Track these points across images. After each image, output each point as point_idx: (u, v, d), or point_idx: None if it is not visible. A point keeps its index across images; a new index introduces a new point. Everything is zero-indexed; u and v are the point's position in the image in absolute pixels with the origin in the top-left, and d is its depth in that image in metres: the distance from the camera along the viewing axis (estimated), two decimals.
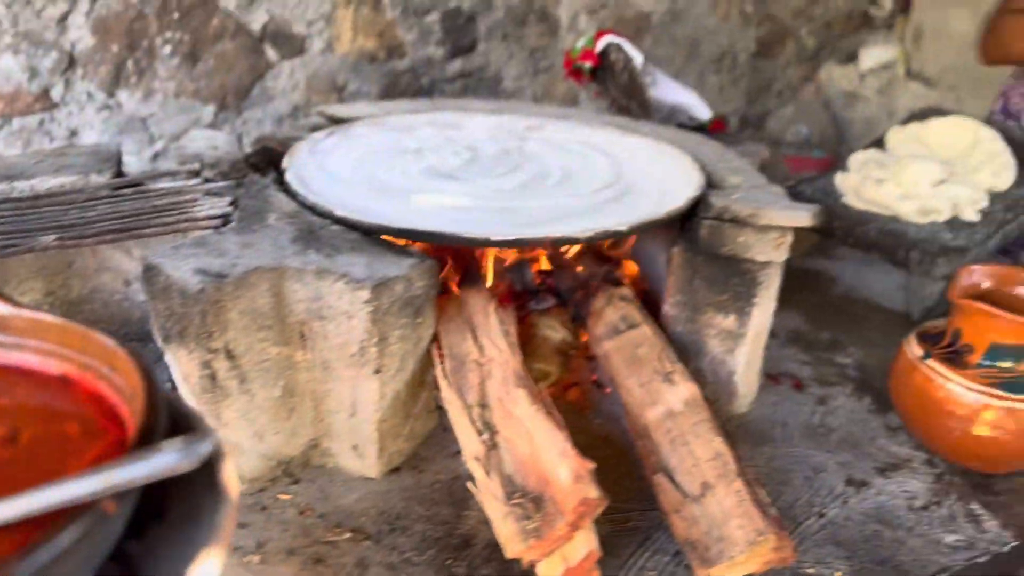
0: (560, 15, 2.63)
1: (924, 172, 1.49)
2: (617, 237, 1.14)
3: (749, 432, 1.16)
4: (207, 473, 0.54)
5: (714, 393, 1.20)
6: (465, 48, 2.52)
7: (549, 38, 2.63)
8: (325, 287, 0.93)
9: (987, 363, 1.05)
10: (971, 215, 1.45)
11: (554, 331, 1.21)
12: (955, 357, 1.07)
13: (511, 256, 1.29)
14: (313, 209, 1.08)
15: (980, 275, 1.12)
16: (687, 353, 1.20)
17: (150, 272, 0.92)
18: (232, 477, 0.56)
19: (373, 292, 0.91)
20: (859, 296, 1.58)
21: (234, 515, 0.55)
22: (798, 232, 1.65)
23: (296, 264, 0.94)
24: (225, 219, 1.08)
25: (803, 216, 1.08)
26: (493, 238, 1.04)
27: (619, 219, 1.11)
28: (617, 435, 1.13)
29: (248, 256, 0.95)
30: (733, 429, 1.16)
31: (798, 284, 1.62)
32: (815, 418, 1.20)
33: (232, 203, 1.12)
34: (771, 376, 1.29)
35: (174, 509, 0.47)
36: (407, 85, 2.47)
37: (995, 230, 1.42)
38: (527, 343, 1.20)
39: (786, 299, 1.55)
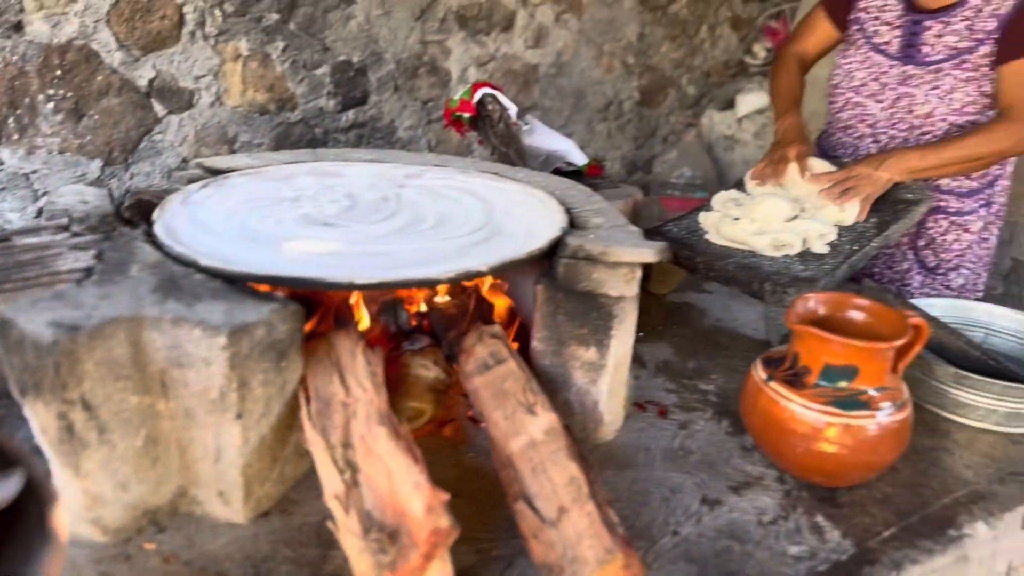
0: (450, 68, 2.72)
1: (776, 209, 1.61)
2: (477, 277, 1.19)
3: (614, 458, 1.22)
4: (37, 517, 0.56)
5: (582, 422, 1.25)
6: (357, 100, 2.58)
7: (440, 89, 2.72)
8: (183, 335, 0.95)
9: (823, 383, 1.13)
10: (820, 248, 1.57)
11: (427, 370, 1.25)
12: (795, 379, 1.15)
13: (384, 298, 1.33)
14: (178, 259, 1.10)
15: (815, 303, 1.22)
16: (555, 385, 1.25)
17: (4, 326, 0.92)
18: (62, 521, 0.57)
19: (230, 338, 0.94)
20: (725, 327, 1.67)
21: (61, 559, 0.56)
22: (670, 269, 1.75)
23: (154, 313, 0.96)
24: (88, 272, 1.08)
25: (648, 253, 1.16)
26: (357, 282, 1.08)
27: (483, 260, 1.17)
28: (488, 468, 1.17)
29: (105, 307, 0.96)
30: (600, 456, 1.22)
31: (670, 317, 1.71)
32: (676, 442, 1.26)
33: (97, 256, 1.13)
34: (638, 404, 1.36)
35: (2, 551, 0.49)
36: (300, 136, 2.51)
37: (842, 261, 1.54)
38: (401, 382, 1.23)
39: (658, 332, 1.64)
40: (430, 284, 1.21)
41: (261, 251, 1.17)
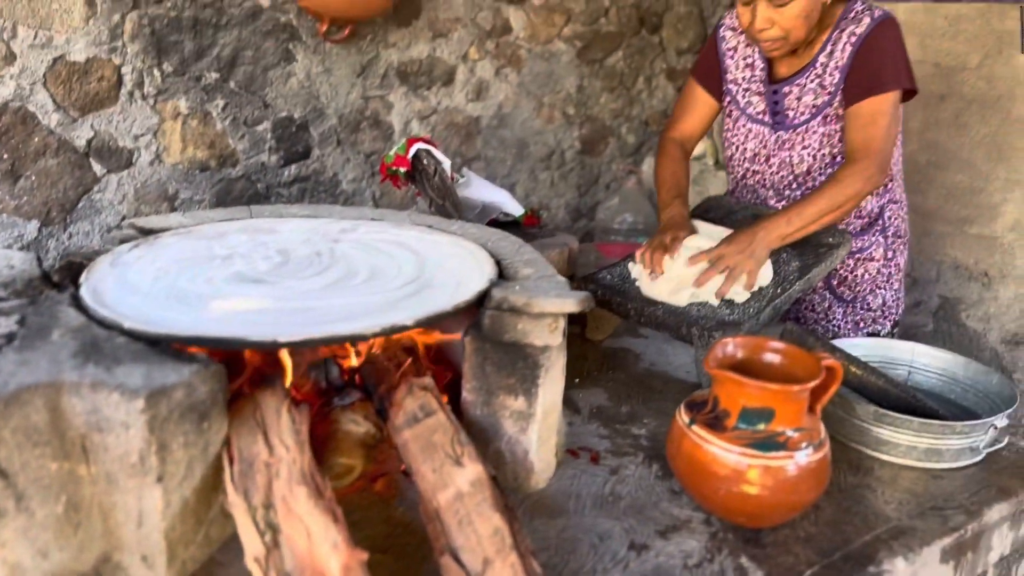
0: (393, 121, 2.76)
1: (690, 269, 1.65)
2: (403, 332, 1.21)
3: (545, 506, 1.23)
4: None
5: (513, 471, 1.27)
6: (299, 154, 2.60)
7: (383, 142, 2.76)
8: (101, 399, 0.95)
9: (742, 426, 1.17)
10: (740, 297, 1.62)
11: (357, 425, 1.26)
12: (715, 422, 1.18)
13: (313, 354, 1.33)
14: (101, 322, 1.10)
15: (734, 347, 1.25)
16: (486, 435, 1.27)
17: None
18: None
19: (148, 401, 0.94)
20: (659, 371, 1.71)
21: None
22: (605, 315, 1.78)
23: (73, 378, 0.96)
24: (10, 338, 1.08)
25: (570, 303, 1.19)
26: (281, 339, 1.09)
27: (410, 314, 1.19)
28: (419, 522, 1.17)
29: (23, 374, 0.96)
30: (531, 505, 1.23)
31: (606, 362, 1.74)
32: (607, 488, 1.28)
33: (20, 322, 1.12)
34: (571, 451, 1.38)
35: None
36: (242, 191, 2.52)
37: (766, 304, 1.59)
38: (331, 438, 1.24)
39: (593, 378, 1.67)
40: (355, 339, 1.22)
41: (188, 311, 1.18)
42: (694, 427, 1.19)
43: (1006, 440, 1.42)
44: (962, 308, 2.49)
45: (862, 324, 1.97)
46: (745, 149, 1.94)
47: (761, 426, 1.16)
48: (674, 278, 1.64)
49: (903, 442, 1.38)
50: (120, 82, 2.21)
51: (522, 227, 1.99)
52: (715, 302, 1.60)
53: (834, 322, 1.98)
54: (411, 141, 1.83)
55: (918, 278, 2.60)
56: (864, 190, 1.69)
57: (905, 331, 2.65)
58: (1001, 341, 2.39)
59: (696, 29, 3.47)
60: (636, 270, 1.73)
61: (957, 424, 1.36)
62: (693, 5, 3.43)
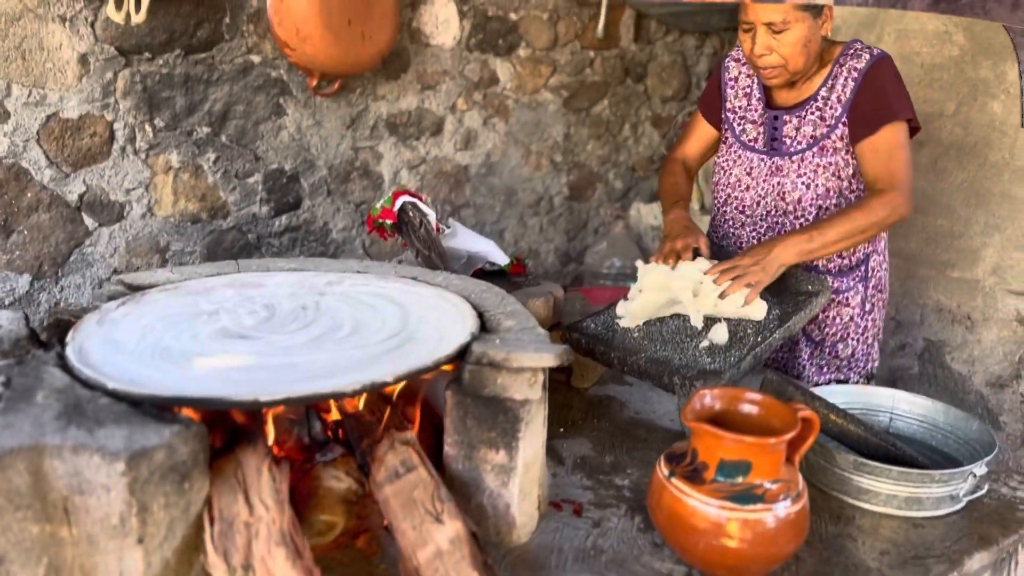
0: (382, 171, 2.80)
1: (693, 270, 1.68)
2: (384, 388, 1.22)
3: (527, 561, 1.23)
4: None
5: (495, 525, 1.27)
6: (290, 205, 2.64)
7: (373, 191, 2.79)
8: (83, 462, 0.97)
9: (720, 479, 1.18)
10: (758, 314, 1.63)
11: (339, 481, 1.27)
12: (694, 475, 1.20)
13: (296, 410, 1.35)
14: (85, 383, 1.12)
15: (711, 398, 1.27)
16: (468, 489, 1.28)
17: None
18: None
19: (128, 464, 0.95)
20: (644, 419, 1.72)
21: None
22: (590, 363, 1.80)
23: (55, 441, 0.97)
24: None
25: (548, 358, 1.21)
26: (262, 399, 1.10)
27: (391, 370, 1.21)
28: None
29: (5, 437, 0.97)
30: (512, 560, 1.23)
31: (591, 411, 1.75)
32: (589, 541, 1.28)
33: (5, 383, 1.14)
34: (554, 503, 1.38)
35: None
36: (233, 242, 2.54)
37: (747, 352, 1.61)
38: (312, 495, 1.24)
39: (578, 427, 1.68)
40: (336, 397, 1.24)
41: (172, 369, 1.19)
42: (673, 480, 1.21)
43: (986, 487, 1.43)
44: (947, 351, 2.51)
45: (826, 369, 1.98)
46: (731, 174, 1.98)
47: (739, 479, 1.17)
48: (712, 291, 1.66)
49: (883, 491, 1.39)
50: (112, 137, 2.25)
51: (508, 276, 2.01)
52: (753, 314, 1.63)
53: (800, 360, 1.99)
54: (397, 194, 1.86)
55: (902, 321, 2.62)
56: (889, 219, 1.73)
57: (891, 374, 2.67)
58: (986, 384, 2.41)
59: (680, 78, 3.54)
60: (623, 308, 1.75)
61: (936, 472, 1.37)
62: (677, 55, 3.50)
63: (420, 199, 1.85)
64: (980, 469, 1.39)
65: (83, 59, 2.15)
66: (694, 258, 1.77)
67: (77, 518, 1.00)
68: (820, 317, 1.95)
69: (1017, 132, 2.25)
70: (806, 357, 1.98)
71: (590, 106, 3.28)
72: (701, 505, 1.17)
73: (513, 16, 2.97)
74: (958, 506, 1.40)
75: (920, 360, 2.59)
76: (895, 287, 2.61)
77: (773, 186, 1.91)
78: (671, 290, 1.70)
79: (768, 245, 1.71)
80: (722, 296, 1.65)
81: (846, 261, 1.92)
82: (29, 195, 2.17)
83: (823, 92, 1.83)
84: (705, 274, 1.70)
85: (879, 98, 1.77)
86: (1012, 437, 2.30)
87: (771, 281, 1.68)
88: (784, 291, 1.75)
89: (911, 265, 2.57)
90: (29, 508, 0.97)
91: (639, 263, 1.82)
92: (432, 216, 1.84)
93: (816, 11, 1.72)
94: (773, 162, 1.90)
